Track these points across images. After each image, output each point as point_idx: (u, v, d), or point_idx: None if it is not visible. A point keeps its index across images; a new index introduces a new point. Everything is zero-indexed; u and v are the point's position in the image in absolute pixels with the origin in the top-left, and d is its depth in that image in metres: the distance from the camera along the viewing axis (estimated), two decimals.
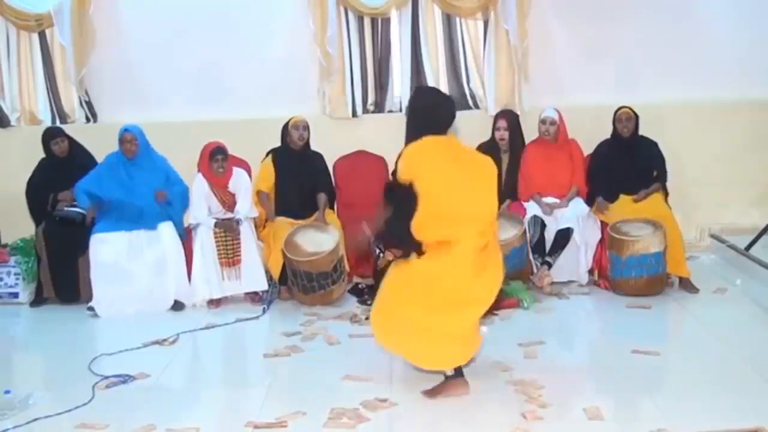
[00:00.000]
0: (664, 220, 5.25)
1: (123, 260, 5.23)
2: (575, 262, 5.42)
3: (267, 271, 5.40)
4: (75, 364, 4.26)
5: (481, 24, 6.32)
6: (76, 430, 3.49)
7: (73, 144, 5.71)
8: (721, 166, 6.33)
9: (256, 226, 5.52)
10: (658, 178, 5.64)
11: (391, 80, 6.41)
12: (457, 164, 3.55)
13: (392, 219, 3.62)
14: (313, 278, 5.14)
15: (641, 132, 5.65)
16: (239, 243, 5.31)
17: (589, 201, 5.59)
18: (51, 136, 5.62)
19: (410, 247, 3.56)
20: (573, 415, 3.48)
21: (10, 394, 3.81)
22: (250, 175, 5.64)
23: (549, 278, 5.30)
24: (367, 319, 4.88)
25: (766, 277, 5.32)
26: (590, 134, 5.76)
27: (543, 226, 5.42)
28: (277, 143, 5.65)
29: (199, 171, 5.44)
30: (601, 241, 5.44)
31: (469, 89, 6.40)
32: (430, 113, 3.59)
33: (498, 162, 5.65)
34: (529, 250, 5.37)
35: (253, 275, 5.35)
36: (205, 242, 5.29)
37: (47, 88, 6.36)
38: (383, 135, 5.95)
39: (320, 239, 5.27)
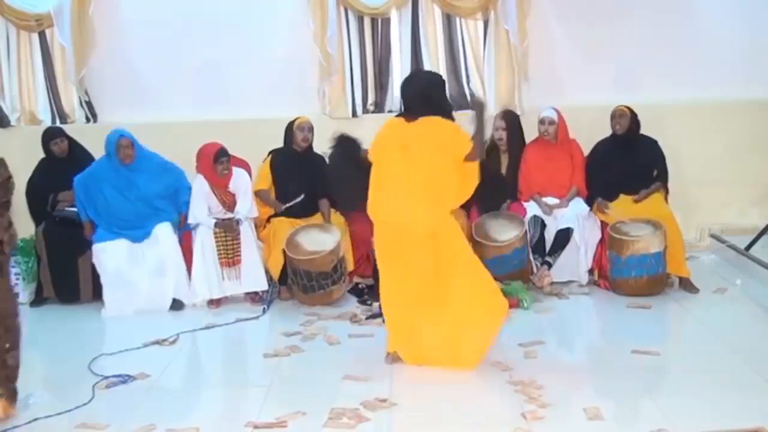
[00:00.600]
0: (664, 220, 5.25)
1: (125, 267, 5.25)
2: (575, 262, 5.42)
3: (267, 271, 5.40)
4: (75, 364, 4.25)
5: (481, 24, 6.32)
6: (76, 430, 3.49)
7: (73, 144, 5.71)
8: (721, 166, 6.32)
9: (256, 226, 5.52)
10: (659, 177, 5.63)
11: (391, 80, 6.41)
12: (403, 152, 3.81)
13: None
14: (313, 278, 5.13)
15: (642, 132, 5.64)
16: (239, 243, 5.31)
17: (588, 200, 5.59)
18: (51, 136, 5.62)
19: None
20: (573, 415, 3.48)
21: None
22: (250, 175, 5.64)
23: (549, 278, 5.30)
24: (367, 319, 4.88)
25: (766, 277, 5.32)
26: (590, 134, 5.75)
27: (543, 226, 5.42)
28: (277, 143, 5.64)
29: (198, 172, 5.44)
30: (601, 241, 5.44)
31: (469, 89, 6.40)
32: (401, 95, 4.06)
33: (498, 162, 5.68)
34: (530, 250, 5.37)
35: (253, 275, 5.35)
36: (205, 242, 5.29)
37: (47, 88, 6.36)
38: None
39: (321, 239, 5.27)
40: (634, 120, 5.57)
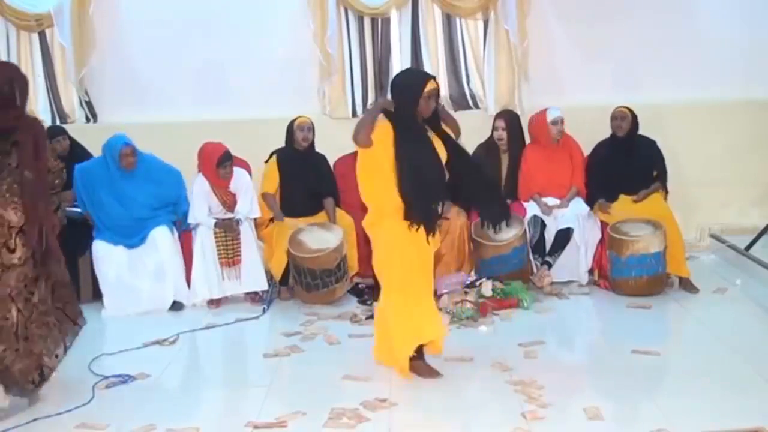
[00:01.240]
0: (664, 220, 5.25)
1: (125, 274, 5.25)
2: (575, 262, 5.42)
3: (267, 271, 5.41)
4: (75, 364, 4.25)
5: (481, 24, 6.33)
6: (76, 430, 3.49)
7: (73, 144, 5.71)
8: (721, 166, 6.33)
9: (257, 225, 5.52)
10: (658, 178, 5.64)
11: (391, 80, 6.40)
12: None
13: None
14: (317, 276, 5.14)
15: (641, 132, 5.65)
16: (239, 243, 5.31)
17: (588, 201, 5.59)
18: (52, 134, 5.60)
19: None
20: (573, 415, 3.48)
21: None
22: (250, 175, 5.64)
23: (549, 278, 5.30)
24: (367, 319, 4.88)
25: (766, 277, 5.32)
26: (590, 134, 5.75)
27: (543, 226, 5.42)
28: (277, 143, 5.65)
29: (199, 171, 5.44)
30: (601, 241, 5.44)
31: (469, 89, 6.41)
32: None
33: (497, 162, 5.68)
34: (530, 250, 5.37)
35: (253, 275, 5.35)
36: (205, 242, 5.29)
37: (47, 88, 6.36)
38: None
39: (325, 237, 5.28)
40: (634, 121, 5.57)
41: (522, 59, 6.21)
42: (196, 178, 5.43)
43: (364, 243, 5.45)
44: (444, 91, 6.40)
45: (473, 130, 5.65)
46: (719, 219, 6.34)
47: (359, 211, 5.79)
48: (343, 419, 3.47)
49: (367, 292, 5.37)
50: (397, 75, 4.03)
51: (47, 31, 6.30)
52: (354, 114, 6.31)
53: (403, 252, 3.75)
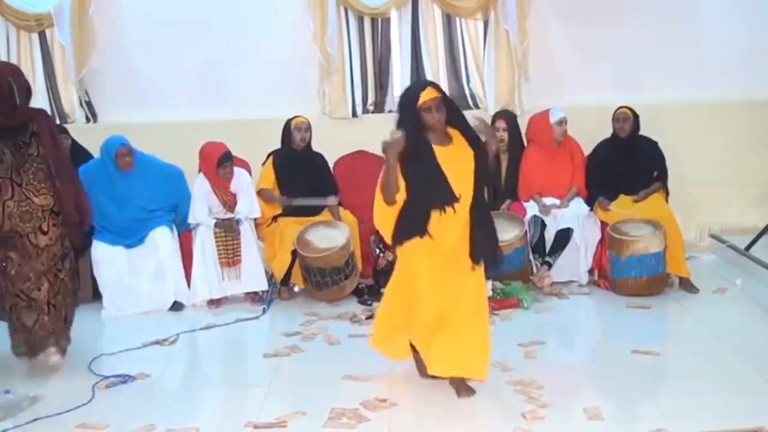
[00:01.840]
0: (664, 220, 5.25)
1: (125, 275, 5.24)
2: (575, 262, 5.42)
3: (267, 271, 5.41)
4: (75, 364, 4.25)
5: (481, 24, 6.32)
6: (76, 430, 3.49)
7: (74, 144, 5.70)
8: (721, 166, 6.33)
9: (256, 226, 5.52)
10: (659, 178, 5.64)
11: (391, 80, 6.42)
12: None
13: None
14: (326, 274, 5.16)
15: (642, 132, 5.65)
16: (239, 243, 5.31)
17: (588, 201, 5.59)
18: None
19: None
20: (573, 415, 3.48)
21: (10, 394, 3.81)
22: (250, 174, 5.64)
23: (549, 278, 5.30)
24: (367, 319, 4.89)
25: (766, 277, 5.32)
26: (590, 134, 5.75)
27: (543, 226, 5.43)
28: (277, 143, 5.64)
29: (200, 171, 5.44)
30: (601, 241, 5.45)
31: (469, 89, 6.41)
32: None
33: (497, 162, 5.68)
34: (530, 250, 5.37)
35: (253, 275, 5.35)
36: (205, 242, 5.29)
37: (47, 88, 6.36)
38: (383, 135, 5.90)
39: (331, 235, 5.29)
40: (635, 122, 5.57)
41: (522, 59, 6.21)
42: (196, 178, 5.43)
43: (361, 243, 5.48)
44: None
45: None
46: (719, 219, 6.34)
47: (360, 210, 5.82)
48: (343, 419, 3.47)
49: (367, 292, 5.37)
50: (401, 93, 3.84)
51: (47, 31, 6.29)
52: (354, 114, 6.31)
53: (411, 260, 3.62)
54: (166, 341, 4.63)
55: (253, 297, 5.40)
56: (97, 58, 6.26)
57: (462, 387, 3.68)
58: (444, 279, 3.58)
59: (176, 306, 5.30)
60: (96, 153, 5.60)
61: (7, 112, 3.89)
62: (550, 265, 5.35)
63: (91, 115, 6.36)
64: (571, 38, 6.34)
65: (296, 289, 5.50)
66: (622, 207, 5.47)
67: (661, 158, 5.67)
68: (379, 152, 6.32)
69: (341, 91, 6.29)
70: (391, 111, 6.39)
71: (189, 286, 5.34)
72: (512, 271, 5.21)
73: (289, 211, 5.52)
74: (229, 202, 5.40)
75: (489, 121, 5.83)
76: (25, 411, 3.65)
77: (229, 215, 5.37)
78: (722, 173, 6.33)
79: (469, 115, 3.78)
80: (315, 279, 5.20)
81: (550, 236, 5.42)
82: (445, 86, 6.31)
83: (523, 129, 5.85)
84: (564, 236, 5.38)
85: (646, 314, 4.89)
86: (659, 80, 6.30)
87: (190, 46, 6.26)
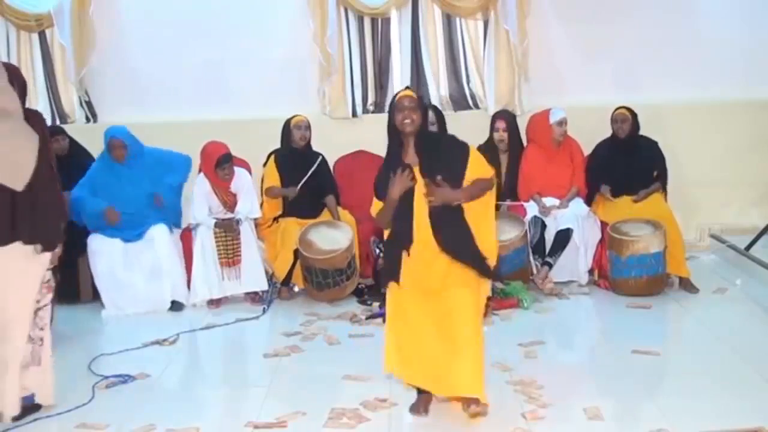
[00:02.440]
0: (664, 220, 5.26)
1: (119, 269, 5.24)
2: (575, 262, 5.42)
3: (267, 271, 5.41)
4: (75, 364, 4.26)
5: (481, 24, 6.33)
6: (76, 430, 3.49)
7: (73, 144, 5.71)
8: (721, 166, 6.33)
9: (256, 226, 5.52)
10: (659, 178, 5.64)
11: (391, 80, 6.42)
12: None
13: None
14: (329, 275, 5.17)
15: (642, 132, 5.65)
16: (239, 243, 5.31)
17: (588, 201, 5.59)
18: (51, 133, 5.59)
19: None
20: (573, 415, 3.48)
21: None
22: (250, 174, 5.64)
23: (549, 279, 5.30)
24: (367, 319, 4.89)
25: (766, 277, 5.32)
26: (590, 134, 5.76)
27: (543, 226, 5.42)
28: (277, 143, 5.64)
29: (201, 171, 5.44)
30: (601, 241, 5.45)
31: (469, 89, 6.41)
32: None
33: (497, 162, 5.67)
34: (530, 250, 5.37)
35: (253, 275, 5.35)
36: (205, 242, 5.29)
37: (47, 88, 6.36)
38: (383, 135, 5.89)
39: (333, 236, 5.30)
40: (635, 122, 5.57)
41: (522, 59, 6.21)
42: (197, 178, 5.44)
43: (360, 243, 5.48)
44: (444, 91, 6.41)
45: (473, 130, 5.65)
46: (719, 219, 6.34)
47: (359, 210, 5.81)
48: (343, 419, 3.47)
49: (367, 292, 5.37)
50: None
51: (47, 31, 6.30)
52: (354, 114, 6.31)
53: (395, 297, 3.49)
54: (166, 341, 4.63)
55: (253, 297, 5.40)
56: (97, 58, 6.26)
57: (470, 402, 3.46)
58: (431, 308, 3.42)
59: (176, 306, 5.30)
60: (95, 153, 5.63)
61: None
62: (550, 266, 5.35)
63: (91, 115, 6.37)
64: (571, 38, 6.34)
65: (296, 289, 5.50)
66: (623, 207, 5.46)
67: (662, 159, 5.67)
68: (378, 152, 6.38)
69: (341, 91, 6.29)
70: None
71: (189, 286, 5.34)
72: (512, 271, 5.22)
73: (290, 211, 5.52)
74: (230, 202, 5.40)
75: (489, 120, 5.84)
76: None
77: (230, 215, 5.37)
78: (722, 173, 6.33)
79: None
80: (317, 280, 5.20)
81: (550, 236, 5.42)
82: (445, 86, 6.33)
83: (523, 129, 5.85)
84: (564, 236, 5.38)
85: (646, 314, 4.89)
86: (659, 80, 6.30)
87: (190, 46, 6.27)
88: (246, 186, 5.43)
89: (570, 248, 5.39)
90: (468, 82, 6.40)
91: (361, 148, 6.20)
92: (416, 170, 3.37)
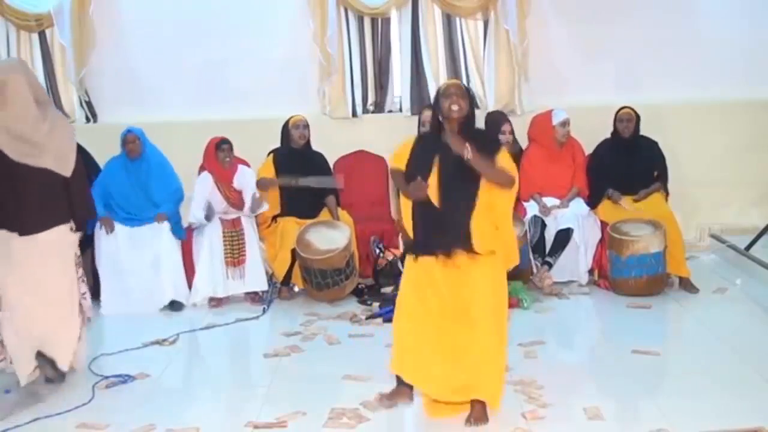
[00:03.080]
0: (665, 220, 5.26)
1: (122, 253, 5.26)
2: (575, 262, 5.42)
3: (267, 271, 5.41)
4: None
5: (481, 24, 6.33)
6: (76, 430, 3.49)
7: None
8: (722, 166, 6.33)
9: (258, 225, 5.53)
10: (659, 178, 5.64)
11: (391, 80, 6.42)
12: None
13: None
14: (327, 275, 5.17)
15: (642, 132, 5.65)
16: (245, 243, 5.31)
17: (589, 201, 5.59)
18: None
19: None
20: (573, 415, 3.48)
21: (10, 394, 3.81)
22: None
23: (549, 278, 5.30)
24: (367, 319, 4.89)
25: (766, 277, 5.32)
26: (590, 134, 5.75)
27: (543, 226, 5.43)
28: (278, 143, 5.65)
29: (204, 167, 5.46)
30: (601, 241, 5.45)
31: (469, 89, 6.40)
32: None
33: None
34: (530, 250, 5.37)
35: (254, 275, 5.35)
36: (213, 240, 5.29)
37: (47, 88, 6.34)
38: (383, 135, 5.94)
39: (332, 236, 5.29)
40: (637, 122, 5.57)
41: (522, 59, 6.22)
42: (198, 177, 5.44)
43: (360, 243, 5.48)
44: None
45: None
46: (719, 219, 6.34)
47: (359, 210, 5.82)
48: (343, 419, 3.47)
49: (367, 292, 5.37)
50: None
51: (47, 31, 6.30)
52: (354, 114, 6.31)
53: (407, 274, 3.53)
54: (166, 341, 4.63)
55: (254, 297, 5.40)
56: (97, 58, 6.27)
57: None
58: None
59: (176, 306, 5.30)
60: (95, 153, 5.63)
61: None
62: (550, 266, 5.35)
63: (91, 115, 6.37)
64: (571, 38, 6.34)
65: (296, 289, 5.50)
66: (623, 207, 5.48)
67: (662, 158, 5.67)
68: (378, 152, 6.39)
69: (341, 91, 6.29)
70: (390, 111, 6.39)
71: (189, 285, 5.34)
72: (512, 271, 5.20)
73: (289, 211, 5.51)
74: (233, 198, 5.40)
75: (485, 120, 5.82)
76: (25, 411, 3.65)
77: (232, 213, 5.36)
78: (722, 173, 6.33)
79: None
80: (316, 280, 5.20)
81: (550, 236, 5.42)
82: None
83: (523, 129, 5.84)
84: (564, 236, 5.38)
85: (646, 314, 4.89)
86: (660, 80, 6.30)
87: (190, 46, 6.27)
88: (251, 182, 5.44)
89: (570, 248, 5.39)
90: (468, 82, 6.39)
91: (361, 148, 6.21)
92: (454, 141, 3.33)
